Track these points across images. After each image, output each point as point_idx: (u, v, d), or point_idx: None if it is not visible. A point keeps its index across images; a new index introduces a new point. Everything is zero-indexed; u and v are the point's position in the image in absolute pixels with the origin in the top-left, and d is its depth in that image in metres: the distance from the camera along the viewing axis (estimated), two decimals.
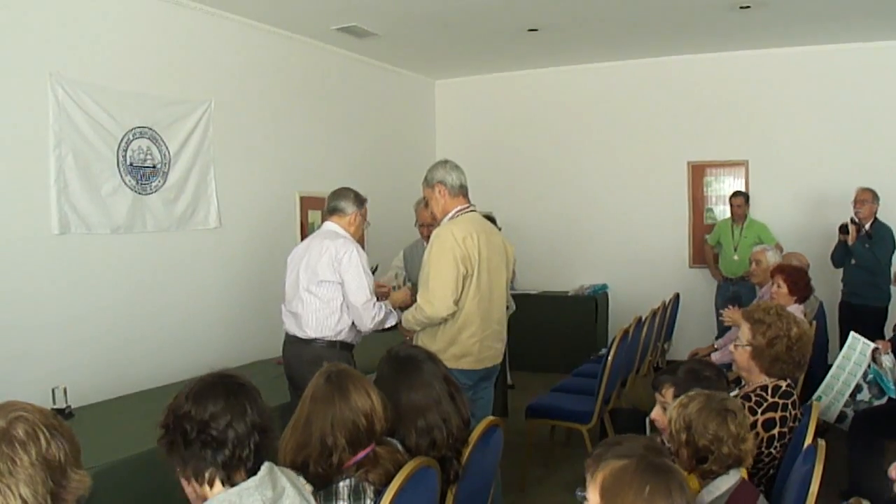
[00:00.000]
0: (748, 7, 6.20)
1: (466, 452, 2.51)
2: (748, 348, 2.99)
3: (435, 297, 3.64)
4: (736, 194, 7.63)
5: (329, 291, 3.95)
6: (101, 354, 4.87)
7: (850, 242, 6.31)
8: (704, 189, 8.19)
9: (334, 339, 4.00)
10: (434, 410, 2.48)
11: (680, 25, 6.85)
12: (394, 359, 2.63)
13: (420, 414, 2.47)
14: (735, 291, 7.42)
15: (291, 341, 4.10)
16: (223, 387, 1.86)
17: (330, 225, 4.11)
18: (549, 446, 5.56)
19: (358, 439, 2.15)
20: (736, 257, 7.48)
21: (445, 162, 3.91)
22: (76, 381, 4.20)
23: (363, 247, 4.15)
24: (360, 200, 4.18)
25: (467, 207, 3.85)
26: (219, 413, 1.81)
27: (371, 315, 3.93)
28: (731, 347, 3.09)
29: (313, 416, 2.15)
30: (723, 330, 7.38)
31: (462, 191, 3.86)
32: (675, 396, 2.51)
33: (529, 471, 4.99)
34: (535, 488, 4.91)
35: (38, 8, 4.58)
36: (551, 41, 7.36)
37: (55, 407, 3.79)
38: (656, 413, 2.74)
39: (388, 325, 4.11)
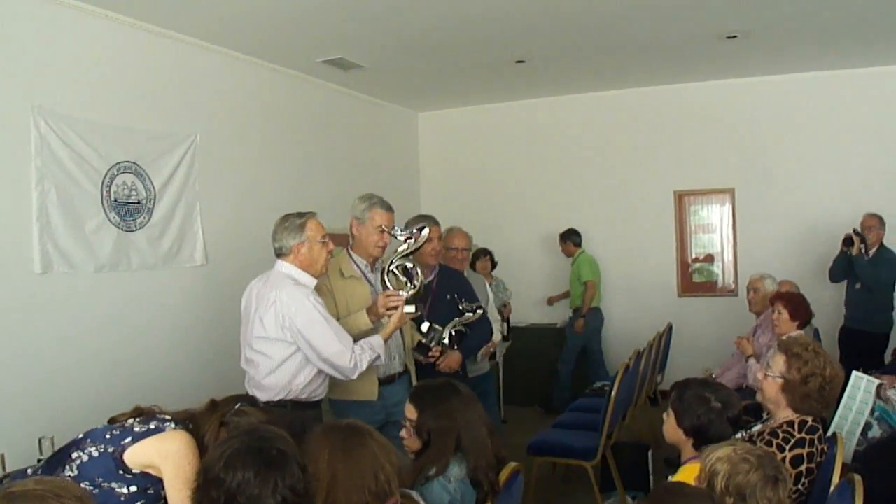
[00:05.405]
0: (735, 37, 6.22)
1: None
2: (779, 380, 2.91)
3: None
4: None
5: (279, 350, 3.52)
6: (88, 399, 4.64)
7: (854, 253, 6.28)
8: (691, 217, 8.17)
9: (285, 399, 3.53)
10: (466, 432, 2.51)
11: (667, 55, 6.86)
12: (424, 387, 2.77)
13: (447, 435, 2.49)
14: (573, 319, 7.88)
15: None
16: (259, 455, 1.77)
17: (279, 266, 3.52)
18: (551, 484, 5.41)
19: (382, 493, 2.05)
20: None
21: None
22: (63, 430, 3.96)
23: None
24: (298, 227, 3.47)
25: None
26: (248, 483, 1.73)
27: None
28: (760, 376, 3.01)
29: (337, 477, 2.02)
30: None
31: None
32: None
33: None
34: None
35: (21, 40, 4.44)
36: (538, 72, 7.33)
37: (42, 458, 3.60)
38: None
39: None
